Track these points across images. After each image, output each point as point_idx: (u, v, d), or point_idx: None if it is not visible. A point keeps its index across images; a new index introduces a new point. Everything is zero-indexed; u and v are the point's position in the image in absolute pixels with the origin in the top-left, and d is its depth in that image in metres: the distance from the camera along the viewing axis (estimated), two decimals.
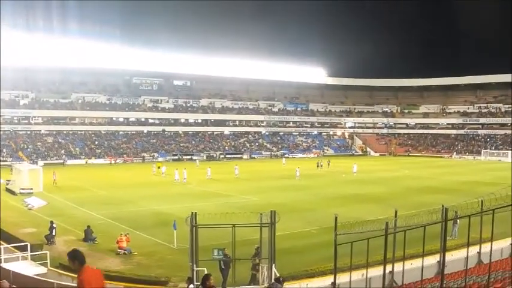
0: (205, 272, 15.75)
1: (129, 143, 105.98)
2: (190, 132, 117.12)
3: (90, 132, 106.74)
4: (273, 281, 16.32)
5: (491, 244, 16.64)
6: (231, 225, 18.46)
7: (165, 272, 22.41)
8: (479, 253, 21.48)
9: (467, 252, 17.69)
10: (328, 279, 18.79)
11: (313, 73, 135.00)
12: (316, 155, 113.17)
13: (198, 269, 18.53)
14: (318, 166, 76.84)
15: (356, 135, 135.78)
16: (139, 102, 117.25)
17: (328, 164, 78.04)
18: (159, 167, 69.95)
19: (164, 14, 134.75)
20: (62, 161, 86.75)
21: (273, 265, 18.47)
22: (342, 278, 18.50)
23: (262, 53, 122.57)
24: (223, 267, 19.98)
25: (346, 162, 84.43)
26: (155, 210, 38.91)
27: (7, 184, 52.16)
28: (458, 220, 25.86)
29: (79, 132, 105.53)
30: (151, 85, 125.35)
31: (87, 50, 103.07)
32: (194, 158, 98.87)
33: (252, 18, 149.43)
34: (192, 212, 18.56)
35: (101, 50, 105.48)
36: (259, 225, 18.58)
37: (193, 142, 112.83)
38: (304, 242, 28.46)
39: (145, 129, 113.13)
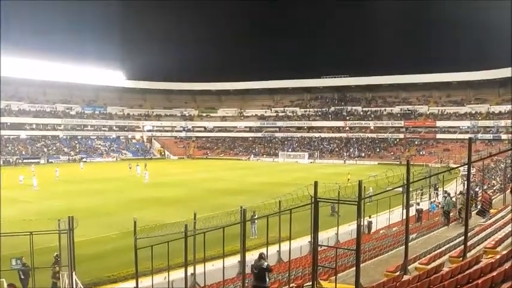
0: (5, 283, 14.90)
1: None
2: None
3: None
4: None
5: (290, 242, 17.41)
6: (29, 233, 17.51)
7: None
8: (279, 252, 22.50)
9: (267, 251, 18.35)
10: (131, 284, 18.60)
11: (112, 76, 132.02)
12: (115, 159, 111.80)
13: None
14: (130, 168, 76.60)
15: (154, 139, 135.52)
16: None
17: (145, 166, 75.97)
18: None
19: None
20: None
21: (74, 272, 17.75)
22: (145, 281, 18.47)
23: (60, 54, 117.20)
24: (22, 277, 19.22)
25: (157, 165, 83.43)
26: None
27: None
28: (256, 220, 26.81)
29: None
30: None
31: None
32: None
33: (49, 17, 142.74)
34: None
35: None
36: (57, 231, 17.71)
37: None
38: (105, 247, 27.90)
39: None
